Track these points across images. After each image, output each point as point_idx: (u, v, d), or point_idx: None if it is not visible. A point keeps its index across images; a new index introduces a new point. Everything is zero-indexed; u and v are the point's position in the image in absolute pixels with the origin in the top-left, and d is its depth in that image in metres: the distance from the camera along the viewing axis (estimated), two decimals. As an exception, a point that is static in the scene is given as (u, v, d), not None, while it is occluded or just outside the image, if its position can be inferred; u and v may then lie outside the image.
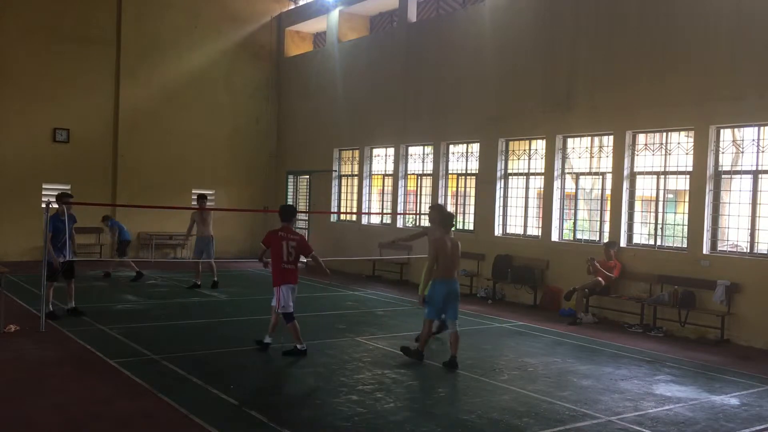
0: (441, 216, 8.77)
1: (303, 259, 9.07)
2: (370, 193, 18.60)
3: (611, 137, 12.60)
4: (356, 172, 18.86)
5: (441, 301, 8.40)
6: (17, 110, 17.97)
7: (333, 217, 19.66)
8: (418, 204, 17.03)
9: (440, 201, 16.04)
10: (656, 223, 12.07)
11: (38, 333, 9.47)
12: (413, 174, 17.23)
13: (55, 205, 10.57)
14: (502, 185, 14.71)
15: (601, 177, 12.98)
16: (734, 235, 11.20)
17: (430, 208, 10.05)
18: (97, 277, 15.66)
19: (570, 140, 13.52)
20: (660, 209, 12.04)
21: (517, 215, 14.50)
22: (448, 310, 8.50)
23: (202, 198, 14.65)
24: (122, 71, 19.28)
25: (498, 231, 14.66)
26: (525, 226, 14.33)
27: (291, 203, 8.93)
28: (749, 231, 10.82)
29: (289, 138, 21.64)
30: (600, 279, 11.93)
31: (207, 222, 14.20)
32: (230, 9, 21.03)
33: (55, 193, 17.43)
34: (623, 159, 12.36)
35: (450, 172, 16.18)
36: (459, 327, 10.59)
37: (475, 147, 15.44)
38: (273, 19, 21.89)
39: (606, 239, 12.55)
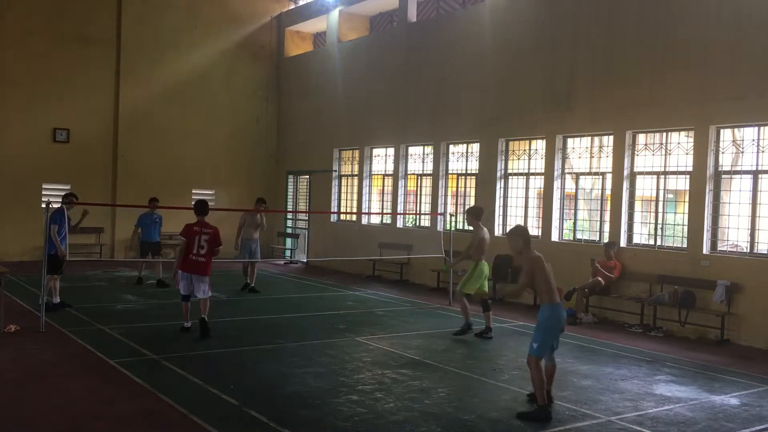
0: (519, 234, 7.16)
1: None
2: (370, 193, 18.60)
3: (611, 137, 12.60)
4: (356, 172, 18.86)
5: (557, 331, 6.89)
6: (17, 110, 17.99)
7: (333, 217, 19.66)
8: (418, 204, 17.03)
9: (440, 201, 16.06)
10: (656, 223, 12.07)
11: (38, 333, 9.48)
12: (413, 174, 17.23)
13: (56, 205, 10.85)
14: (502, 185, 14.71)
15: (601, 177, 12.98)
16: (734, 235, 11.20)
17: (511, 233, 7.42)
18: (98, 277, 15.67)
19: (570, 140, 13.52)
20: (660, 209, 12.03)
21: (517, 215, 14.50)
22: (555, 340, 6.98)
23: (261, 201, 14.55)
24: (122, 71, 19.28)
25: (498, 231, 14.65)
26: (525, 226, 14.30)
27: (203, 200, 9.74)
28: (749, 231, 10.82)
29: (289, 138, 21.65)
30: (600, 279, 11.93)
31: (258, 224, 14.17)
32: (230, 9, 21.04)
33: (55, 193, 17.57)
34: (623, 159, 12.36)
35: (450, 172, 16.18)
36: (451, 328, 10.69)
37: (475, 147, 15.44)
38: (273, 19, 21.90)
39: (606, 239, 12.55)
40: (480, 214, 10.80)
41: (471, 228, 10.86)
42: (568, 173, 13.62)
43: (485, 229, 10.75)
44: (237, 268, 15.79)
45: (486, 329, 10.34)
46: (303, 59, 21.34)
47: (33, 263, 15.51)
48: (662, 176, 11.98)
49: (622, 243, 12.30)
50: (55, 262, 10.67)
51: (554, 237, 13.55)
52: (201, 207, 9.80)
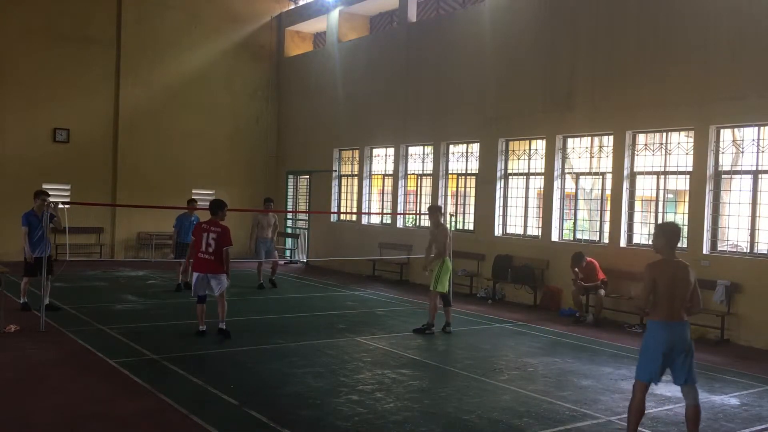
0: (664, 231, 5.92)
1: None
2: (370, 193, 18.60)
3: (611, 137, 12.61)
4: (356, 172, 18.86)
5: (661, 354, 5.71)
6: (17, 110, 17.97)
7: (333, 217, 19.67)
8: (418, 204, 17.03)
9: (440, 201, 16.05)
10: (656, 223, 12.05)
11: (38, 333, 9.47)
12: (413, 174, 17.22)
13: (56, 204, 10.90)
14: (502, 185, 14.71)
15: (601, 177, 12.98)
16: (734, 235, 11.20)
17: (656, 228, 6.25)
18: (98, 277, 15.68)
19: (570, 140, 13.52)
20: (660, 209, 12.03)
21: (517, 215, 14.50)
22: (677, 368, 5.77)
23: (269, 201, 15.30)
24: (122, 71, 19.27)
25: (498, 231, 14.66)
26: (525, 226, 14.33)
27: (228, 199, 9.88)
28: (749, 231, 10.82)
29: (289, 138, 21.64)
30: (598, 283, 11.94)
31: (271, 224, 14.65)
32: (230, 9, 21.03)
33: (55, 192, 17.57)
34: (623, 159, 12.36)
35: (450, 172, 16.18)
36: (454, 328, 10.69)
37: (475, 147, 15.44)
38: (273, 19, 21.89)
39: (606, 240, 12.58)
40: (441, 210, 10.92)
41: (431, 225, 10.85)
42: (568, 173, 13.62)
43: (443, 230, 10.73)
44: (245, 268, 15.78)
45: (446, 324, 10.60)
46: (303, 59, 21.34)
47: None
48: (662, 176, 11.98)
49: (622, 243, 12.30)
50: (26, 264, 10.87)
51: (554, 237, 13.56)
52: (212, 206, 9.74)
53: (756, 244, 10.76)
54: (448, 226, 10.70)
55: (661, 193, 12.04)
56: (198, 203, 14.67)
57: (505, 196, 14.69)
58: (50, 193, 11.57)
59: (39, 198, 10.96)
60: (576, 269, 12.06)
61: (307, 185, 20.82)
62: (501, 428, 6.25)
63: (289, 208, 21.53)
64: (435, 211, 10.77)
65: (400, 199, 17.31)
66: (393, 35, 18.15)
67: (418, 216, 17.11)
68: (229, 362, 8.32)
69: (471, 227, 15.50)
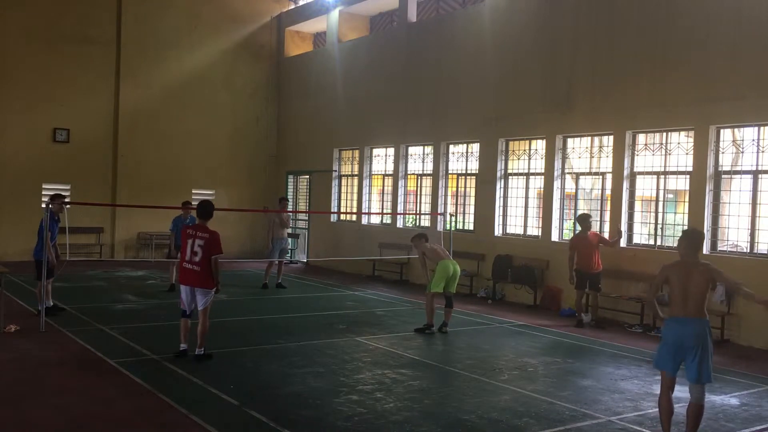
0: (686, 236, 6.29)
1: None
2: (370, 193, 18.60)
3: (611, 137, 12.61)
4: (356, 172, 18.86)
5: (671, 348, 5.95)
6: (17, 110, 17.97)
7: (333, 217, 19.67)
8: (418, 204, 17.03)
9: (440, 201, 16.06)
10: (656, 223, 12.07)
11: (38, 333, 9.47)
12: (413, 174, 17.22)
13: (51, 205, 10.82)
14: (502, 185, 14.71)
15: (601, 177, 12.98)
16: (734, 235, 11.20)
17: (682, 233, 6.54)
18: (98, 277, 15.68)
19: (570, 140, 13.52)
20: (660, 209, 12.04)
21: (517, 215, 14.50)
22: (688, 364, 5.92)
23: (284, 200, 15.80)
24: (122, 71, 19.27)
25: (498, 231, 14.66)
26: (525, 226, 14.33)
27: (210, 200, 8.64)
28: (749, 231, 10.82)
29: (289, 138, 21.65)
30: (598, 272, 11.76)
31: (286, 224, 14.95)
32: (230, 9, 21.03)
33: (55, 193, 17.53)
34: (623, 159, 12.37)
35: (450, 172, 16.18)
36: (451, 328, 10.68)
37: (475, 147, 15.44)
38: (273, 19, 21.90)
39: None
40: (426, 239, 11.02)
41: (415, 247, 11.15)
42: (568, 173, 13.62)
43: (429, 245, 10.91)
44: (237, 268, 15.78)
45: (443, 324, 10.61)
46: (303, 59, 21.34)
47: (33, 263, 15.47)
48: (662, 176, 11.98)
49: (622, 243, 12.29)
50: (51, 266, 10.60)
51: (554, 237, 13.55)
52: (201, 209, 8.46)
53: (756, 244, 10.76)
54: (429, 245, 10.89)
55: (661, 193, 12.04)
56: (193, 204, 14.60)
57: (505, 196, 14.69)
58: (51, 193, 11.48)
59: (56, 200, 10.92)
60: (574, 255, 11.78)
61: (307, 185, 20.83)
62: (501, 428, 6.25)
63: (290, 208, 21.53)
64: (417, 241, 10.94)
65: (400, 199, 17.31)
66: (393, 35, 18.15)
67: (418, 216, 17.12)
68: (229, 362, 8.32)
69: (471, 227, 15.50)
